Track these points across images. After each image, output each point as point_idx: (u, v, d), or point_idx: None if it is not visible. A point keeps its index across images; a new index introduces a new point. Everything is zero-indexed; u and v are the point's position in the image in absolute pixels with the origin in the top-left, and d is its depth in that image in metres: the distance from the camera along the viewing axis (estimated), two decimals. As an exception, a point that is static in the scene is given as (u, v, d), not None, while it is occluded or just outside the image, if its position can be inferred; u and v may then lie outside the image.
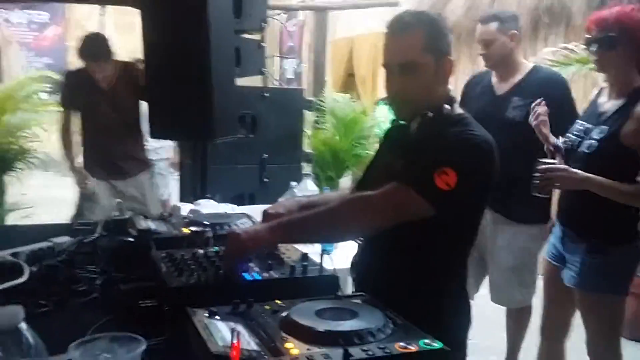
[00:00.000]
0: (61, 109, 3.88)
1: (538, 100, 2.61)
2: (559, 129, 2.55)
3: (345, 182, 5.38)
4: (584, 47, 2.48)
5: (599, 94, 2.47)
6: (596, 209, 2.27)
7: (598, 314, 2.39)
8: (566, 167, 2.26)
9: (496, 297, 3.13)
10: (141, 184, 3.81)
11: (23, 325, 0.88)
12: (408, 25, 1.60)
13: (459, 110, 1.70)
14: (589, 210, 2.30)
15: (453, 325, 1.65)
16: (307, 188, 3.17)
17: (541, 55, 4.46)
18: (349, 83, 8.46)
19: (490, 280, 3.14)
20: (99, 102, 3.68)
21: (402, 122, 1.72)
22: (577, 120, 2.48)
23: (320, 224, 1.56)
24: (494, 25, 2.92)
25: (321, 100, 5.84)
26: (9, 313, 0.85)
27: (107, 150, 3.71)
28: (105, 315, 1.43)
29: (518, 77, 2.94)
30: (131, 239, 1.93)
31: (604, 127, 2.29)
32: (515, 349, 3.22)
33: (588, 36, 2.33)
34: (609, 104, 2.36)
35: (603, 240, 2.30)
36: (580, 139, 2.37)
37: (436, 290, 1.61)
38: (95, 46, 3.61)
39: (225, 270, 1.46)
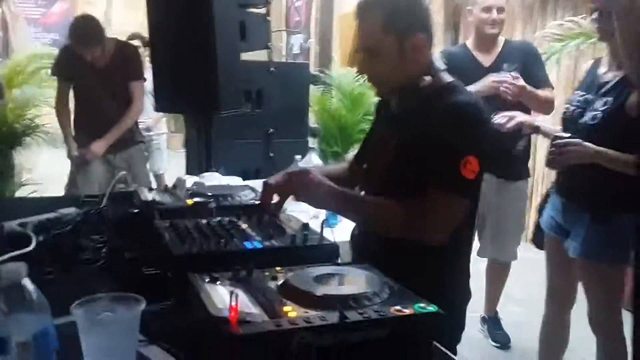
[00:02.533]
0: (56, 82, 3.91)
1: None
2: (536, 84, 3.06)
3: (351, 156, 5.40)
4: (589, 17, 2.49)
5: (597, 65, 2.48)
6: (598, 178, 2.29)
7: (601, 283, 2.41)
8: (580, 140, 2.25)
9: (490, 252, 3.39)
10: (131, 157, 3.83)
11: (27, 281, 0.91)
12: (367, 8, 1.62)
13: (448, 78, 1.70)
14: (590, 181, 2.31)
15: (453, 297, 1.68)
16: (311, 162, 3.18)
17: (548, 29, 4.44)
18: (356, 57, 8.42)
19: (481, 237, 3.40)
20: (92, 79, 3.69)
21: (382, 98, 1.77)
22: (576, 91, 2.49)
23: (373, 215, 1.60)
24: None
25: (327, 74, 5.83)
26: (13, 268, 0.88)
27: (98, 124, 3.72)
28: (111, 282, 1.46)
29: (498, 48, 3.27)
30: (136, 210, 1.97)
31: (607, 98, 2.30)
32: (496, 302, 3.62)
33: (592, 4, 2.34)
34: (609, 74, 2.36)
35: (606, 209, 2.32)
36: (581, 110, 2.38)
37: (438, 262, 1.63)
38: (84, 30, 3.60)
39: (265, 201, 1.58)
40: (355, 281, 1.24)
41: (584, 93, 2.42)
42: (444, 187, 1.54)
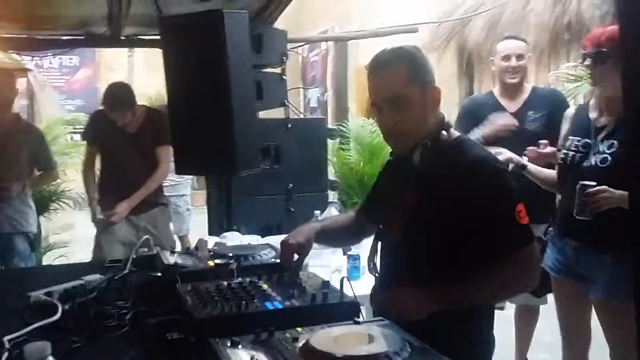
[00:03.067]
0: (85, 146, 4.02)
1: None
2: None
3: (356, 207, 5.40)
4: (581, 63, 2.55)
5: (584, 110, 2.53)
6: (613, 219, 2.28)
7: (625, 321, 2.37)
8: (607, 187, 2.26)
9: (520, 297, 3.26)
10: (154, 218, 3.88)
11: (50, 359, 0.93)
12: (390, 61, 1.66)
13: (456, 133, 1.74)
14: (607, 222, 2.30)
15: (478, 354, 1.66)
16: (331, 215, 3.21)
17: (561, 70, 4.49)
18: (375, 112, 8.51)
19: None
20: (122, 144, 3.79)
21: (401, 154, 1.76)
22: (568, 137, 2.52)
23: (473, 298, 1.61)
24: (524, 43, 3.29)
25: (344, 127, 5.90)
26: (37, 348, 0.91)
27: (124, 188, 3.77)
28: (135, 348, 1.48)
29: (525, 95, 3.24)
30: (158, 274, 1.99)
31: (612, 141, 2.34)
32: (525, 349, 3.46)
33: (584, 52, 2.40)
34: (603, 119, 2.42)
35: (625, 249, 2.29)
36: (581, 154, 2.41)
37: (462, 315, 1.61)
38: (117, 96, 3.71)
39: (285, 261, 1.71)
40: (375, 340, 1.24)
41: (581, 138, 2.45)
42: (520, 242, 1.58)
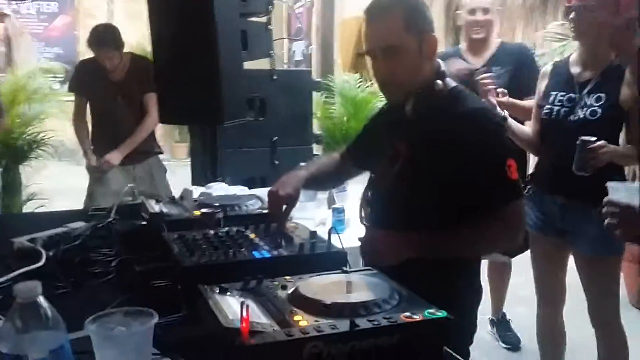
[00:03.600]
0: (73, 96, 3.97)
1: (481, 69, 2.79)
2: (527, 89, 2.87)
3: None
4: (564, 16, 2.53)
5: (565, 65, 2.52)
6: (602, 176, 2.30)
7: (606, 277, 2.47)
8: (605, 142, 2.26)
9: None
10: (151, 168, 3.88)
11: (41, 299, 0.92)
12: (386, 8, 1.62)
13: (452, 83, 1.72)
14: (592, 177, 2.32)
15: (464, 299, 1.68)
16: (316, 168, 3.20)
17: (549, 29, 4.46)
18: (359, 63, 8.43)
19: None
20: (109, 93, 3.76)
21: (395, 103, 1.75)
22: (550, 92, 2.51)
23: (456, 249, 1.61)
24: None
25: (330, 80, 5.84)
26: (27, 287, 0.90)
27: (116, 136, 3.77)
28: (121, 295, 1.48)
29: (491, 51, 3.18)
30: (144, 222, 1.98)
31: (599, 94, 2.35)
32: (500, 303, 3.57)
33: (568, 5, 2.41)
34: (586, 73, 2.42)
35: None
36: (567, 108, 2.41)
37: (449, 266, 1.62)
38: (104, 35, 3.68)
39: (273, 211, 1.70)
40: (364, 288, 1.25)
41: (564, 92, 2.44)
42: (507, 197, 1.57)
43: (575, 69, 2.48)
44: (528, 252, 2.85)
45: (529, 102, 2.86)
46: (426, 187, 1.61)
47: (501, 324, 3.62)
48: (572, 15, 2.37)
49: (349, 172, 2.04)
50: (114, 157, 3.72)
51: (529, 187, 2.62)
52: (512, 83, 2.99)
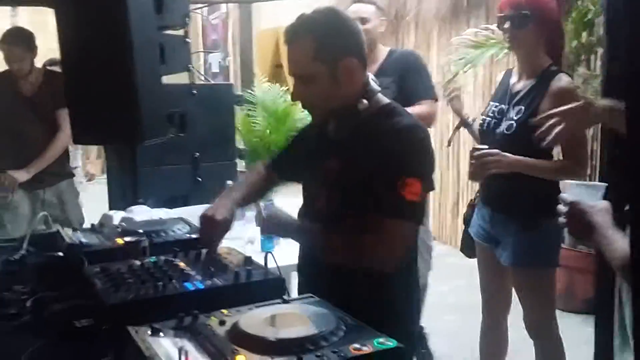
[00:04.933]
0: None
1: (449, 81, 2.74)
2: (415, 94, 2.88)
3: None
4: (497, 26, 2.53)
5: (508, 75, 2.55)
6: (522, 188, 2.34)
7: (535, 288, 2.46)
8: (497, 151, 2.30)
9: None
10: (62, 192, 3.66)
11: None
12: (297, 34, 1.58)
13: (384, 100, 1.68)
14: (515, 191, 2.36)
15: (406, 315, 1.65)
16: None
17: (464, 35, 4.55)
18: (276, 74, 8.35)
19: None
20: (18, 109, 3.53)
21: (317, 124, 1.73)
22: (490, 102, 2.55)
23: (327, 246, 1.59)
24: (371, 7, 3.06)
25: (251, 93, 5.74)
26: None
27: (25, 157, 3.53)
28: (39, 339, 1.34)
29: (379, 61, 3.06)
30: (60, 254, 1.83)
31: (520, 107, 2.36)
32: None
33: (500, 15, 2.38)
34: (520, 84, 2.44)
35: (532, 217, 2.37)
36: (497, 120, 2.44)
37: (389, 281, 1.58)
38: (17, 33, 3.54)
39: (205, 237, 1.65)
40: (308, 320, 1.18)
41: (498, 104, 2.48)
42: (390, 213, 1.50)
43: (513, 79, 2.49)
44: (453, 261, 2.87)
45: (418, 109, 2.82)
46: (346, 203, 1.58)
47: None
48: (506, 25, 2.36)
49: (274, 184, 2.02)
50: (21, 174, 3.47)
51: (477, 193, 2.65)
52: (401, 91, 2.90)
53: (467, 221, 2.71)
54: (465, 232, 2.72)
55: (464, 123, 2.71)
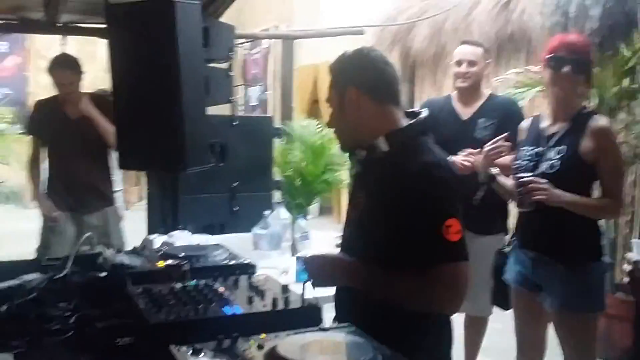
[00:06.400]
0: (30, 138, 3.86)
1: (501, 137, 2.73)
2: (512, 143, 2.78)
3: (314, 208, 5.34)
4: (545, 67, 2.50)
5: (537, 121, 2.56)
6: (565, 228, 2.34)
7: (580, 333, 2.41)
8: (546, 180, 2.30)
9: (465, 307, 3.18)
10: (105, 217, 3.75)
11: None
12: (331, 65, 1.72)
13: (411, 134, 1.66)
14: (559, 231, 2.34)
15: (438, 346, 1.65)
16: (279, 216, 3.16)
17: (506, 75, 4.56)
18: (314, 110, 8.49)
19: None
20: (67, 133, 3.64)
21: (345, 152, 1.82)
22: (521, 148, 2.55)
23: (391, 294, 1.56)
24: (480, 49, 3.22)
25: (288, 126, 5.82)
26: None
27: (72, 181, 3.64)
28: (82, 355, 1.38)
29: (480, 101, 3.21)
30: (104, 274, 1.88)
31: (560, 147, 2.37)
32: (474, 357, 3.40)
33: (554, 55, 2.37)
34: (554, 127, 2.45)
35: (578, 259, 2.35)
36: (534, 162, 2.44)
37: (424, 323, 1.59)
38: (65, 58, 3.68)
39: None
40: (345, 348, 1.20)
41: (533, 147, 2.49)
42: (442, 258, 1.51)
43: (544, 123, 2.51)
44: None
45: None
46: (377, 237, 1.59)
47: None
48: (565, 69, 2.35)
49: None
50: None
51: (513, 239, 2.62)
52: (497, 135, 2.89)
53: (497, 270, 2.66)
54: (499, 283, 2.65)
55: (490, 177, 2.65)
